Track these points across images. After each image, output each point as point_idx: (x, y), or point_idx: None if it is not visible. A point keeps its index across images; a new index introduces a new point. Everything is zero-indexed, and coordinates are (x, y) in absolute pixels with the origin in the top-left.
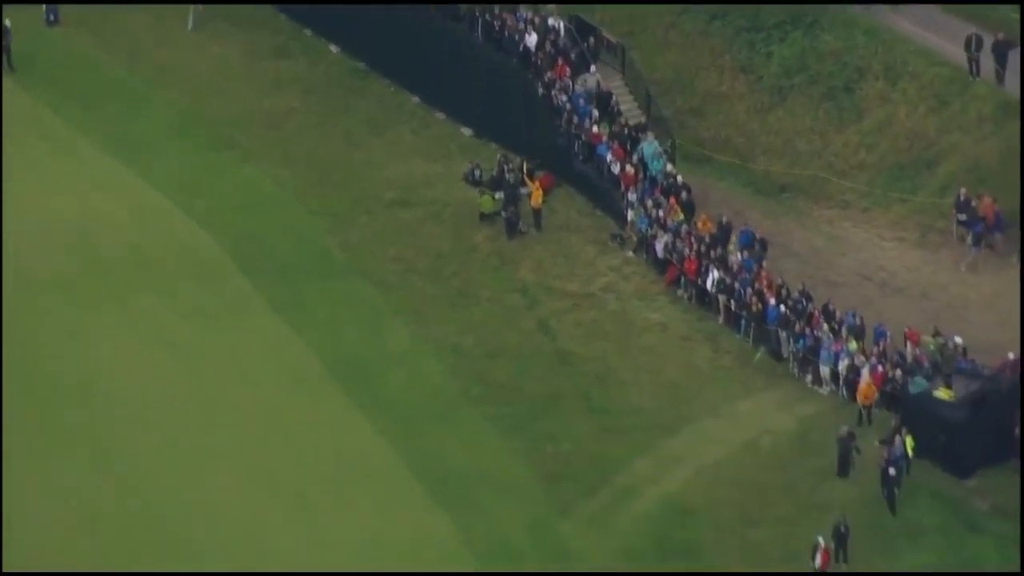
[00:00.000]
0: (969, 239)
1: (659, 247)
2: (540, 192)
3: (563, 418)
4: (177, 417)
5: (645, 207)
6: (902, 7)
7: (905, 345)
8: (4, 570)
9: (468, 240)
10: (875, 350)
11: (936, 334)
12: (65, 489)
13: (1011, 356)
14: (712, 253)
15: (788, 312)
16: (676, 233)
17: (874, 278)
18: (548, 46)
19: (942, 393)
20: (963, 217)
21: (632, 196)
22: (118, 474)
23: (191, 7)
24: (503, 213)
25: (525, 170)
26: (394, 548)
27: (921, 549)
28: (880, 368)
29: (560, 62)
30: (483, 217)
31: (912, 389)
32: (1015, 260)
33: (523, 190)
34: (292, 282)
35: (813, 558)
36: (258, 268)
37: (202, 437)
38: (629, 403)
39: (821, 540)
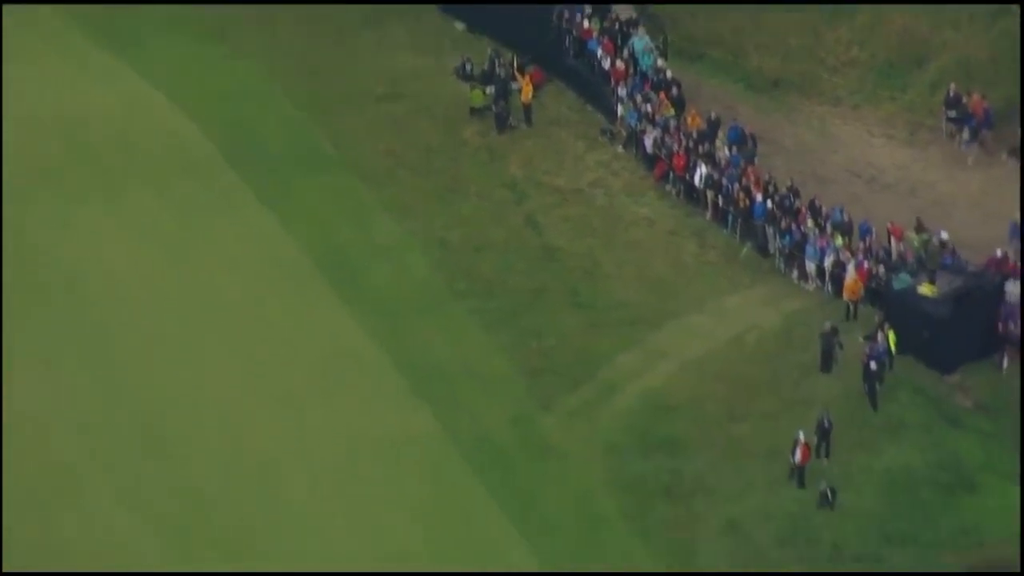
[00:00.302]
0: (965, 134)
1: (648, 142)
2: (530, 87)
3: (548, 312)
4: (164, 310)
5: (635, 102)
6: None
7: (889, 241)
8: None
9: (458, 134)
10: (861, 246)
11: (920, 229)
12: (54, 386)
13: (998, 252)
14: (700, 148)
15: (775, 208)
16: (665, 128)
17: (863, 175)
18: None
19: (926, 289)
20: (953, 114)
21: (622, 91)
22: (105, 368)
23: None
24: (493, 108)
25: (516, 65)
26: (378, 443)
27: (903, 444)
28: (865, 264)
29: None
30: (473, 111)
31: (896, 285)
32: (1004, 157)
33: (514, 85)
34: (281, 175)
35: (793, 453)
36: (247, 161)
37: (188, 330)
38: (615, 298)
39: (802, 435)
